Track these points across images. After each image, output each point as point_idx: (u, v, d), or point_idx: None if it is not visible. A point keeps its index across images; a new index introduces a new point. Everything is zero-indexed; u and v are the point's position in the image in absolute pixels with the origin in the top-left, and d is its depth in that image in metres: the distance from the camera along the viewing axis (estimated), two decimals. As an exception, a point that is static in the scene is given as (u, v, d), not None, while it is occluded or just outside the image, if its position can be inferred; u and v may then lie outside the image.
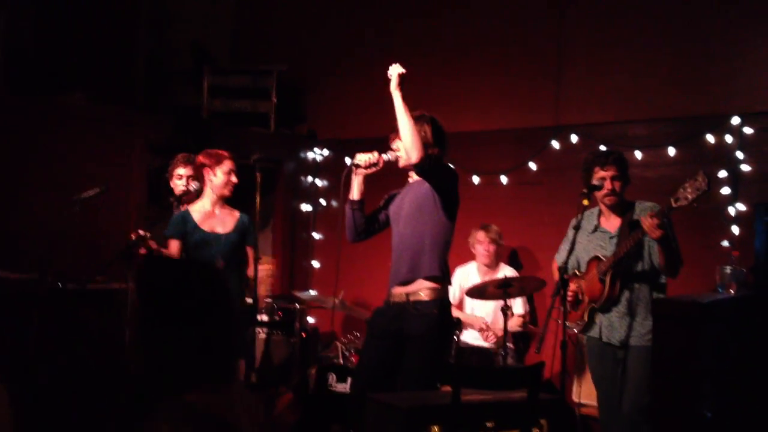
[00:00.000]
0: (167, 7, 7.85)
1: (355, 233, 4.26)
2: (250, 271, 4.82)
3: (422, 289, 3.98)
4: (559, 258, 4.47)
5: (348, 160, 7.10)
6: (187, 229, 4.76)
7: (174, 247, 4.75)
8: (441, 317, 3.94)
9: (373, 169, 4.09)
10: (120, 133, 6.24)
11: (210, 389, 1.88)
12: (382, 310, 4.15)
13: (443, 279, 4.03)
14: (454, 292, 5.94)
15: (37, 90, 6.10)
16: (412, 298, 3.98)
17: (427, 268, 3.98)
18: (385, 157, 4.04)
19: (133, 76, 7.43)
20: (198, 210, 4.84)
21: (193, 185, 4.88)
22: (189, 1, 7.94)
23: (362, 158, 4.02)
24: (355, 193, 4.13)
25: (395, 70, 3.91)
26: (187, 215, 4.81)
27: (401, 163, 4.05)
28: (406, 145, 3.86)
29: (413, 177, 4.15)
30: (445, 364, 3.62)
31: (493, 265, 5.87)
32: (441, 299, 3.98)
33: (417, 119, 4.01)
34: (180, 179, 5.12)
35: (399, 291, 4.05)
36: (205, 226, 4.78)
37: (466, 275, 5.89)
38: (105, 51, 7.07)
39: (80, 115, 6.11)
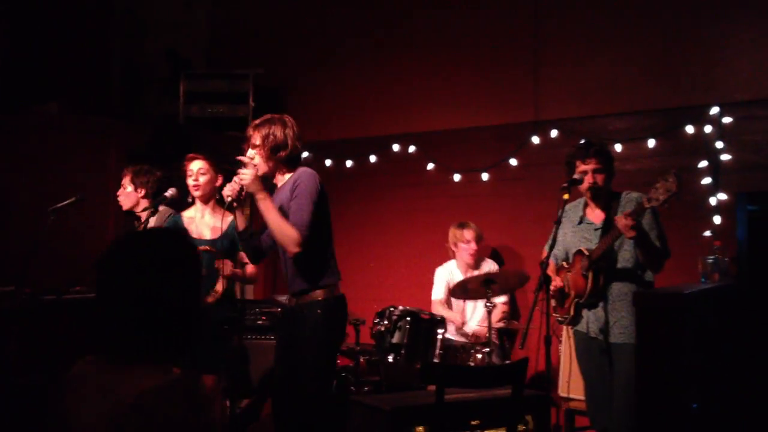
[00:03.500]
0: (141, 15, 7.78)
1: (253, 259, 4.19)
2: (245, 271, 4.72)
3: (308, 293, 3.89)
4: (547, 249, 4.43)
5: (328, 162, 7.10)
6: None
7: None
8: (325, 318, 3.82)
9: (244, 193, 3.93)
10: (96, 142, 6.17)
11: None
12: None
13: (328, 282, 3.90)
14: (441, 289, 5.91)
15: (12, 101, 6.02)
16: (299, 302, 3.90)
17: (306, 278, 3.87)
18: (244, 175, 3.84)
19: (109, 85, 7.35)
20: (189, 215, 4.83)
21: (170, 191, 4.83)
22: (163, 8, 7.87)
23: (227, 192, 3.87)
24: (239, 224, 4.00)
25: (246, 176, 3.71)
26: (178, 219, 4.79)
27: (260, 172, 3.86)
28: (281, 243, 3.77)
29: (279, 181, 4.02)
30: (428, 364, 3.57)
31: (475, 264, 5.83)
32: (326, 299, 3.85)
33: (266, 122, 3.91)
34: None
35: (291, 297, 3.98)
36: (192, 232, 4.73)
37: (449, 273, 5.86)
38: (80, 61, 6.99)
39: (55, 126, 6.04)
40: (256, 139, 3.87)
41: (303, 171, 3.88)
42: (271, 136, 3.85)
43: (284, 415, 3.80)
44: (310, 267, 3.83)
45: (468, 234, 5.77)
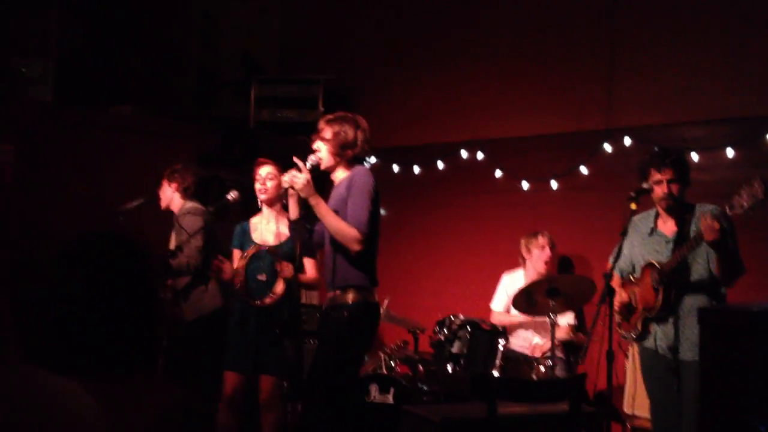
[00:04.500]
0: (217, 19, 7.90)
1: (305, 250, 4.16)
2: (305, 276, 4.66)
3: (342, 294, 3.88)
4: (612, 260, 4.26)
5: (396, 168, 7.05)
6: (244, 240, 4.77)
7: (236, 258, 4.75)
8: (350, 322, 3.80)
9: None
10: (168, 144, 6.28)
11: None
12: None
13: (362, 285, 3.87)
14: (502, 299, 5.78)
15: (87, 101, 6.17)
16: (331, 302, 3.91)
17: (341, 278, 3.85)
18: (308, 164, 3.87)
19: (183, 87, 7.49)
20: (255, 221, 4.86)
21: (232, 194, 4.86)
22: (238, 13, 7.98)
23: (287, 178, 3.83)
24: (292, 213, 3.97)
25: (299, 180, 3.71)
26: (246, 226, 4.85)
27: (323, 166, 3.91)
28: (342, 242, 3.75)
29: (336, 178, 3.99)
30: (480, 376, 3.48)
31: (547, 275, 5.65)
32: (355, 304, 3.82)
33: (340, 119, 3.92)
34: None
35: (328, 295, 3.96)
36: (257, 238, 4.77)
37: (512, 283, 5.71)
38: (156, 63, 7.14)
39: (129, 127, 6.18)
40: (327, 133, 3.91)
41: (359, 169, 3.89)
42: (342, 134, 3.89)
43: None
44: (349, 266, 3.82)
45: (542, 240, 5.61)
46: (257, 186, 4.81)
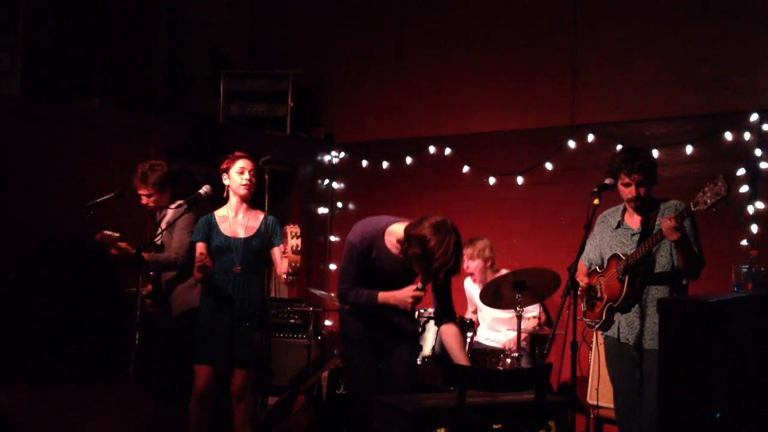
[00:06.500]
0: (185, 13, 7.90)
1: None
2: (279, 270, 4.61)
3: None
4: (583, 255, 4.39)
5: (365, 163, 7.12)
6: (211, 233, 4.75)
7: (200, 250, 4.75)
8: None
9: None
10: (137, 138, 6.26)
11: None
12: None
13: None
14: (470, 298, 5.89)
15: (55, 95, 6.15)
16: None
17: None
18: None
19: (151, 81, 7.48)
20: (222, 214, 4.82)
21: (205, 189, 4.86)
22: (206, 7, 7.99)
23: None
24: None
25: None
26: (211, 219, 4.78)
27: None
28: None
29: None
30: (450, 366, 3.57)
31: (483, 280, 5.62)
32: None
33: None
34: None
35: None
36: (227, 231, 4.75)
37: (471, 285, 5.84)
38: (123, 57, 7.13)
39: (97, 121, 6.14)
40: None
41: None
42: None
43: None
44: None
45: (469, 250, 5.59)
46: (241, 180, 4.71)
